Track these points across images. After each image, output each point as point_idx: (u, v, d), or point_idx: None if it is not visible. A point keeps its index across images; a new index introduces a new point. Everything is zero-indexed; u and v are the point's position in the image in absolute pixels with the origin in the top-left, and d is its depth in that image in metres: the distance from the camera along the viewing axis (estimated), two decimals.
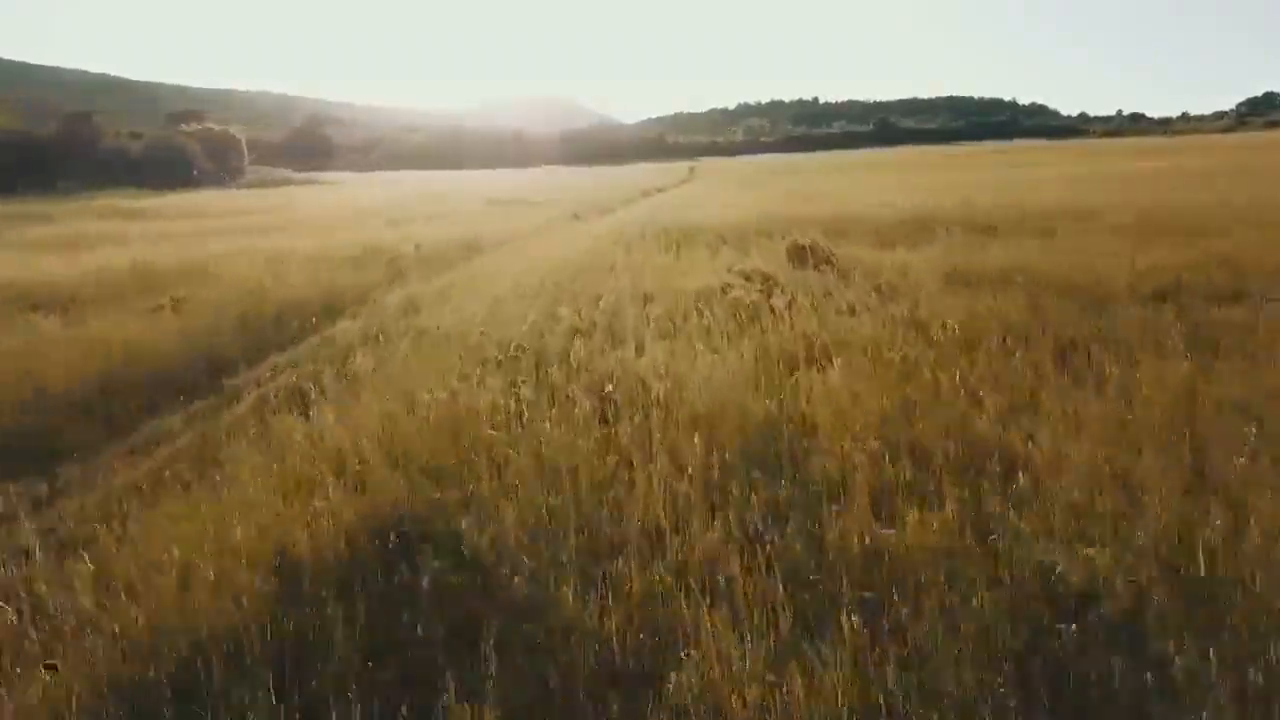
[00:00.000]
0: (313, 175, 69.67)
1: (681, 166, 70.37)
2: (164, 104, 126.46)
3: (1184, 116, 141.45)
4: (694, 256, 9.51)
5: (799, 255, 8.53)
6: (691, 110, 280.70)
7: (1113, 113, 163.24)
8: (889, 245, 9.80)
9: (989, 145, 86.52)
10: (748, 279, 7.50)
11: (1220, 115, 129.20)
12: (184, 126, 68.18)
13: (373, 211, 27.80)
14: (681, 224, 13.98)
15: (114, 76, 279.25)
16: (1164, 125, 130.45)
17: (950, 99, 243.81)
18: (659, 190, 38.68)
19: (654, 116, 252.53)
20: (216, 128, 67.64)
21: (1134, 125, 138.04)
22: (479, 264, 10.74)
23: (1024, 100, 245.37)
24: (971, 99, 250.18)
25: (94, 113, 61.42)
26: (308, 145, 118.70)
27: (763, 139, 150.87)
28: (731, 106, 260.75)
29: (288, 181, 58.60)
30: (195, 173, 55.24)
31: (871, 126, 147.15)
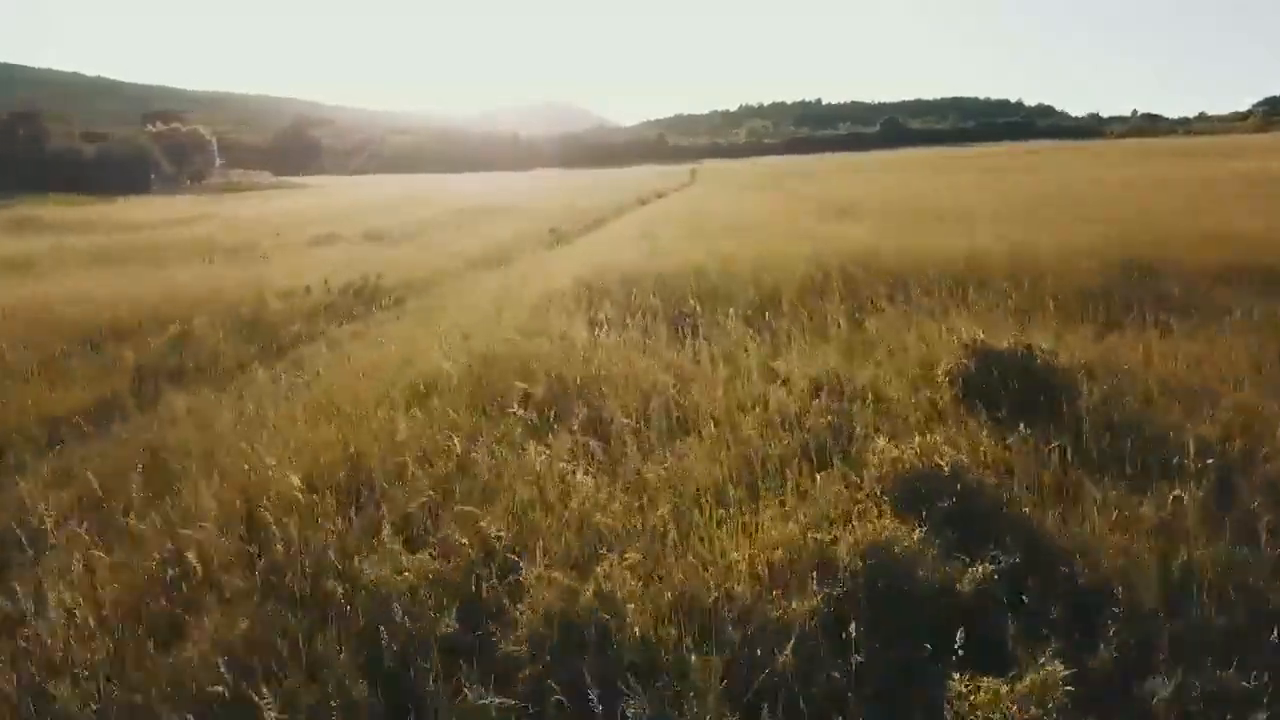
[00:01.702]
0: (286, 179, 64.94)
1: (682, 169, 65.31)
2: (157, 106, 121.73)
3: (1202, 116, 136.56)
4: (724, 349, 4.71)
5: (988, 380, 3.61)
6: (692, 112, 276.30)
7: (1122, 113, 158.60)
8: (1107, 324, 4.98)
9: (1013, 146, 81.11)
10: (921, 492, 2.71)
11: (1241, 115, 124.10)
12: (150, 127, 63.57)
13: (312, 221, 23.09)
14: (690, 254, 9.19)
15: (108, 79, 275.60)
16: (1183, 125, 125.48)
17: (956, 100, 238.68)
18: (658, 196, 33.84)
19: (653, 119, 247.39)
20: (183, 128, 62.89)
21: (1151, 125, 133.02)
22: (310, 358, 5.91)
23: (1030, 101, 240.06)
24: (977, 100, 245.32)
25: (41, 113, 56.63)
26: (298, 147, 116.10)
27: (765, 140, 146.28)
28: (733, 108, 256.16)
29: (255, 186, 53.74)
30: (152, 176, 50.39)
31: (879, 128, 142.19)
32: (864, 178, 34.12)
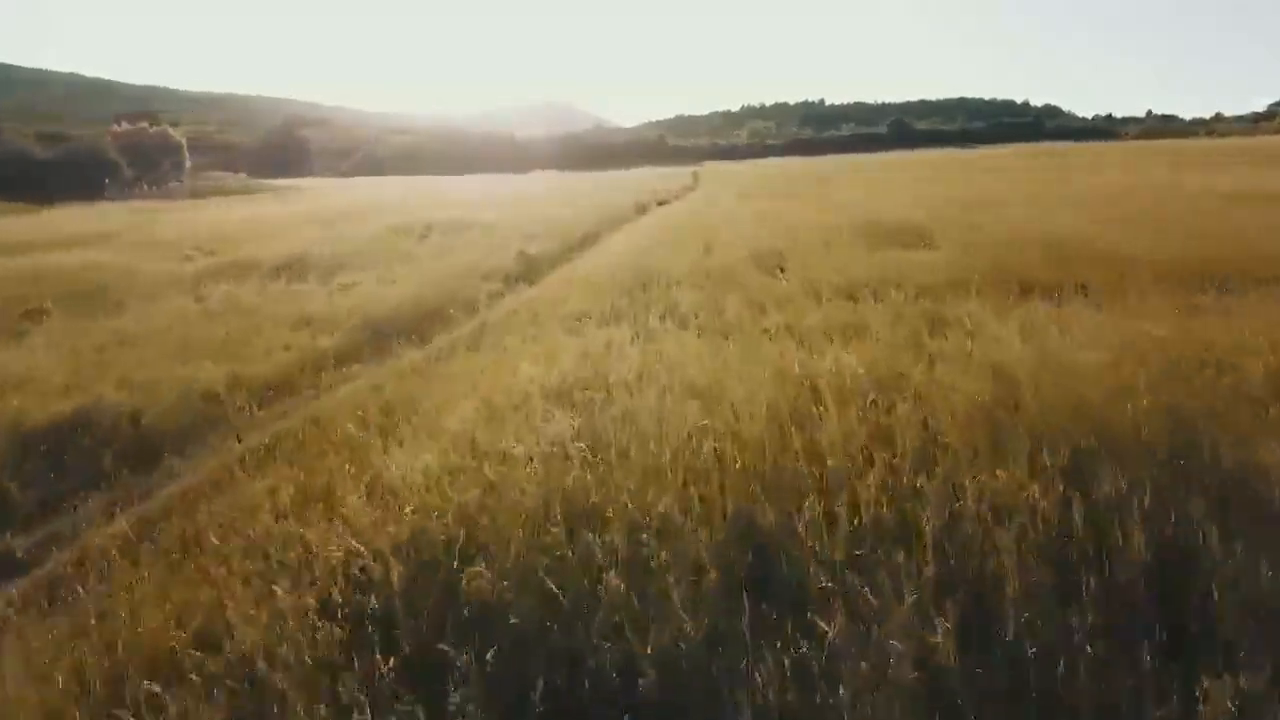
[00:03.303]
0: (261, 182, 60.74)
1: (684, 171, 61.14)
2: (156, 106, 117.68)
3: (1218, 117, 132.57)
4: None
5: None
6: (692, 113, 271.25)
7: (1131, 113, 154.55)
8: None
9: (1042, 147, 76.45)
10: None
11: (1264, 115, 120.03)
12: (114, 127, 59.48)
13: (243, 239, 19.06)
14: (711, 371, 5.09)
15: (107, 80, 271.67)
16: (1203, 126, 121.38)
17: (961, 100, 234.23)
18: (659, 203, 29.79)
19: (654, 120, 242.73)
20: (150, 128, 58.75)
21: (1167, 126, 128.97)
22: None
23: (1036, 102, 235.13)
24: (982, 100, 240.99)
25: None
26: (289, 148, 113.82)
27: (768, 142, 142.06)
28: (734, 109, 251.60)
29: (221, 191, 49.63)
30: (106, 180, 46.25)
31: (886, 129, 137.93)
32: (888, 182, 29.99)
